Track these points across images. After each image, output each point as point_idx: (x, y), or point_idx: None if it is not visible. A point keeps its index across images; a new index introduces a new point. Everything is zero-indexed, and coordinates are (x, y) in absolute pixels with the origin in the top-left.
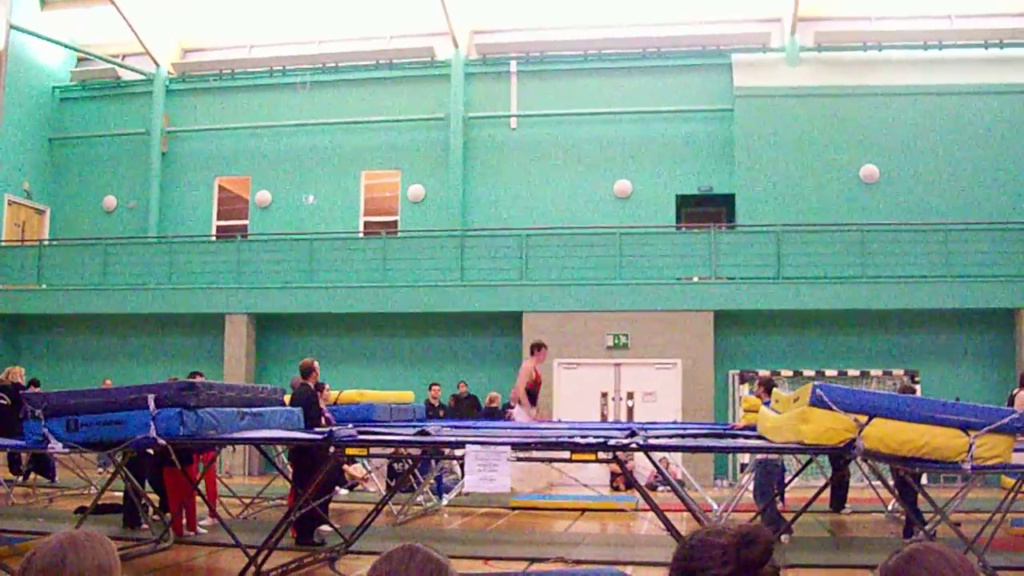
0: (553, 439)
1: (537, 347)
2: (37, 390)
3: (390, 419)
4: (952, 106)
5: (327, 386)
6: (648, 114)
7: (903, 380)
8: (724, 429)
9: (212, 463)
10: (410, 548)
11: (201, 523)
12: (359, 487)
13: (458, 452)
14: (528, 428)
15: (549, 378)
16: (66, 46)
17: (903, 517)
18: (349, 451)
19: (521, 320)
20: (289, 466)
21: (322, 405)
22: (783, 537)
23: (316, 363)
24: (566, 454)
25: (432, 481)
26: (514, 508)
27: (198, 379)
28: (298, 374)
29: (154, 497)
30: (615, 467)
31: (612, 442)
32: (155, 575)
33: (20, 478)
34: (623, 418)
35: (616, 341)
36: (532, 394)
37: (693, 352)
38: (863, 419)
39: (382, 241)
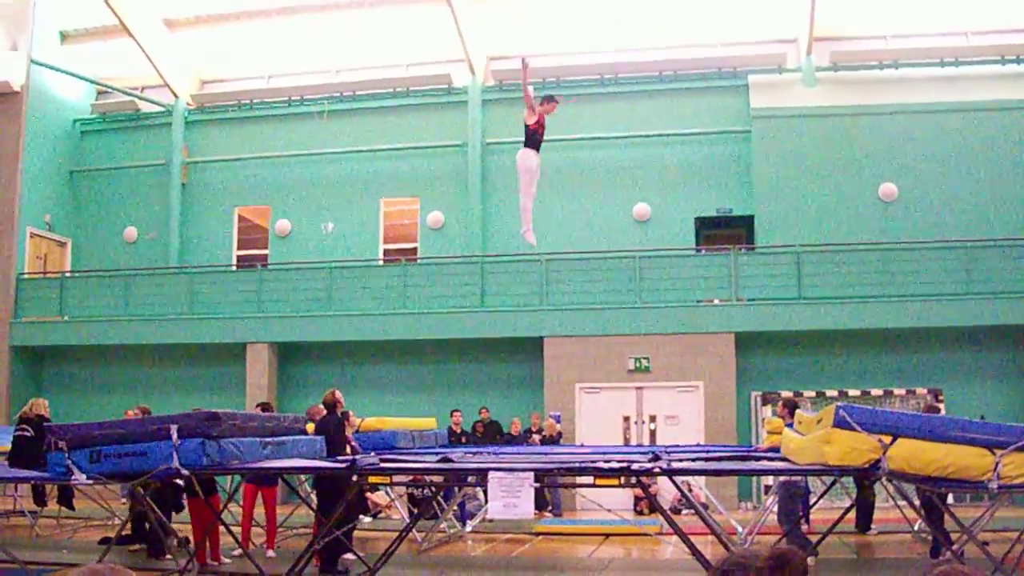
0: (576, 464)
1: (547, 98)
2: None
3: (413, 446)
4: (970, 123)
5: (352, 413)
6: (666, 137)
7: (927, 399)
8: (747, 451)
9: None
10: None
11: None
12: (382, 515)
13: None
14: (551, 454)
15: (572, 402)
16: (86, 79)
17: (930, 537)
18: (372, 479)
19: (542, 345)
20: (312, 495)
21: (348, 434)
22: (809, 559)
23: (339, 394)
24: (590, 479)
25: (455, 507)
26: (538, 534)
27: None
28: (316, 402)
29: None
30: (639, 491)
31: (635, 466)
32: None
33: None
34: (646, 442)
35: (637, 365)
36: (536, 136)
37: (715, 374)
38: (887, 439)
39: (402, 268)
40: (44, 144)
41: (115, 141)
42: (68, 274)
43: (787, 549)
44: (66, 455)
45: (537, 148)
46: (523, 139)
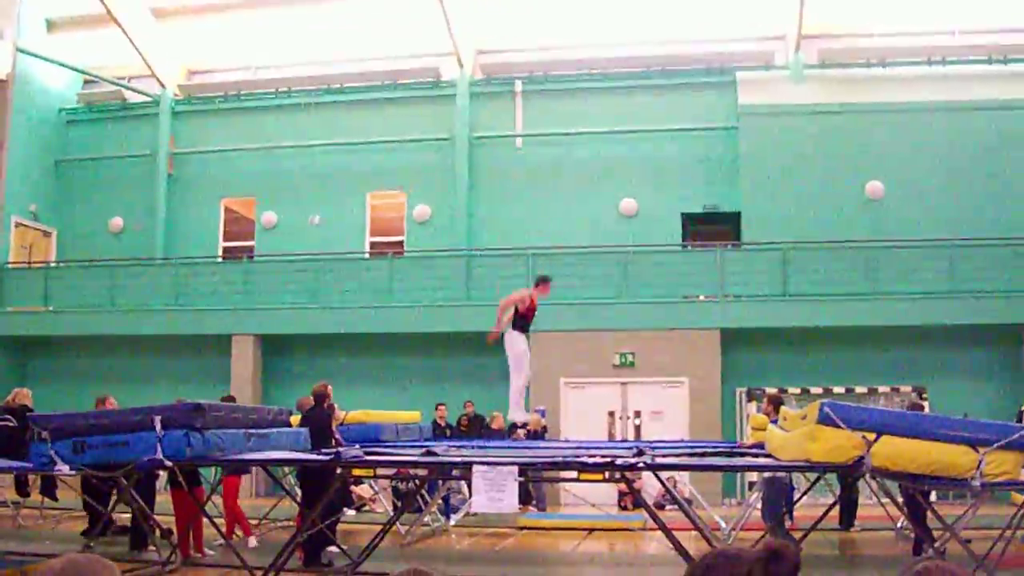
0: (561, 459)
1: (542, 280)
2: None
3: (397, 439)
4: (957, 122)
5: (336, 406)
6: (653, 133)
7: (911, 397)
8: (732, 447)
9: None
10: (416, 571)
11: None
12: (366, 508)
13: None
14: (536, 448)
15: (556, 397)
16: (72, 69)
17: (912, 535)
18: (356, 472)
19: (529, 340)
20: (296, 487)
21: (334, 427)
22: None
23: (330, 387)
24: (573, 474)
25: (439, 501)
26: (521, 528)
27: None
28: (305, 395)
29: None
30: (623, 486)
31: (619, 461)
32: None
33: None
34: (630, 437)
35: (623, 360)
36: (525, 321)
37: (700, 370)
38: (871, 436)
39: (388, 261)
40: (30, 133)
41: (101, 131)
42: (53, 264)
43: (781, 543)
44: (49, 445)
45: (527, 331)
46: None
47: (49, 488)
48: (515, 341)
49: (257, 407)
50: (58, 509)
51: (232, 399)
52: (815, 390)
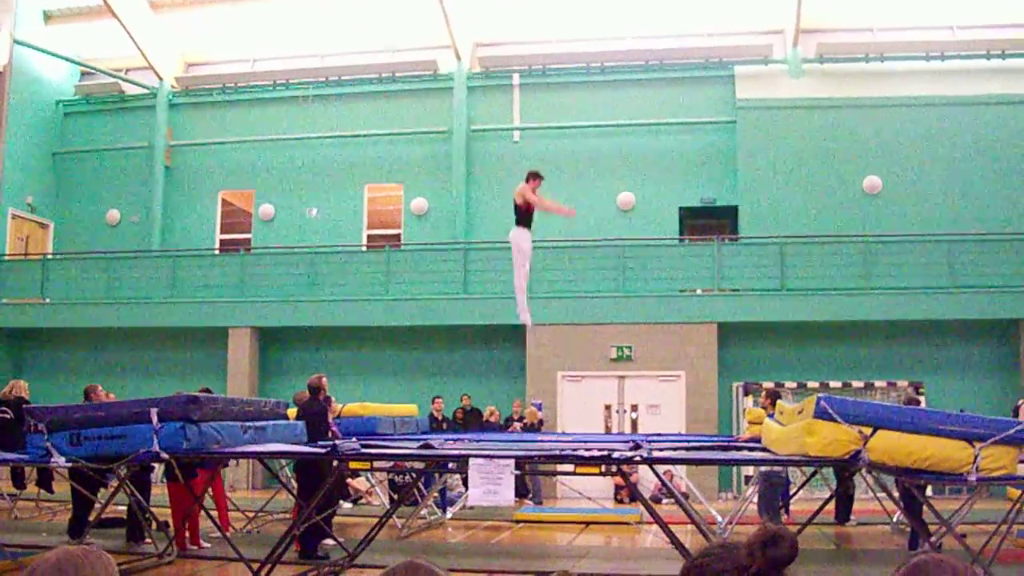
0: (557, 452)
1: (533, 175)
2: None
3: (394, 432)
4: (955, 117)
5: (333, 399)
6: (651, 126)
7: (907, 391)
8: (728, 441)
9: (214, 479)
10: (413, 564)
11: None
12: (363, 500)
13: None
14: (532, 441)
15: (553, 390)
16: (70, 60)
17: (908, 529)
18: (353, 464)
19: (525, 333)
20: (293, 480)
21: (330, 419)
22: None
23: (324, 379)
24: (570, 467)
25: (436, 494)
26: (518, 521)
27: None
28: (303, 387)
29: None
30: (619, 479)
31: (616, 455)
32: None
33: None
34: (627, 430)
35: (620, 353)
36: (528, 216)
37: (697, 364)
38: (868, 431)
39: (385, 254)
40: (27, 125)
41: (98, 123)
42: (50, 256)
43: (778, 527)
44: (45, 437)
45: (529, 226)
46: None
47: (45, 480)
48: (521, 238)
49: (254, 399)
50: (54, 501)
51: (208, 391)
52: (812, 384)
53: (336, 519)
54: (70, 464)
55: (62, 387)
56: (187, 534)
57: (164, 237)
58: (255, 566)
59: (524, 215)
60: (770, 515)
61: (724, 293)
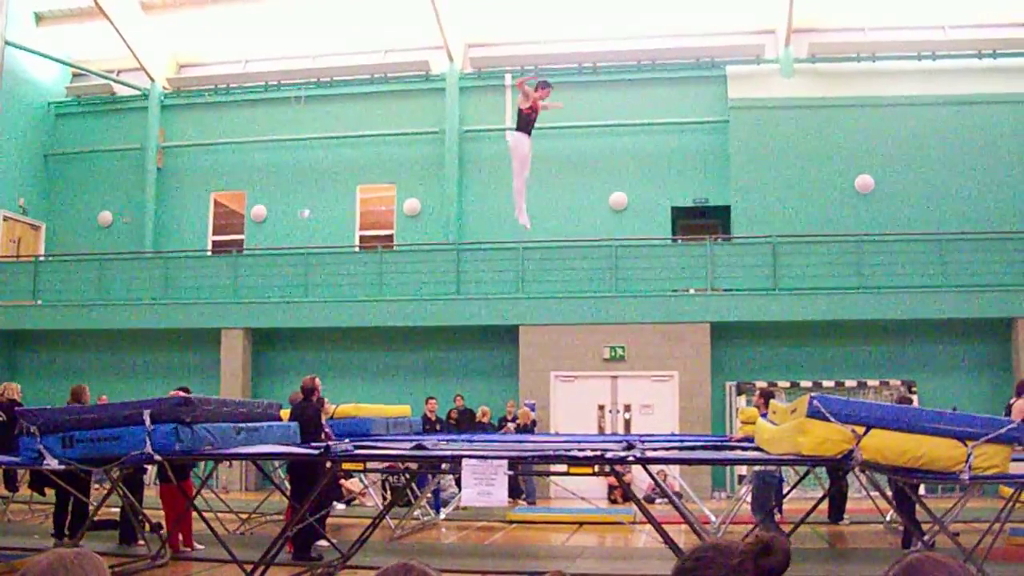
0: (551, 452)
1: (543, 84)
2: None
3: (387, 433)
4: (946, 116)
5: (327, 400)
6: (643, 126)
7: (900, 390)
8: (721, 441)
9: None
10: (406, 566)
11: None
12: (356, 502)
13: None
14: (526, 442)
15: (546, 391)
16: (61, 62)
17: (901, 528)
18: (346, 465)
19: (518, 333)
20: (286, 481)
21: (323, 420)
22: None
23: (318, 380)
24: (563, 468)
25: (429, 495)
26: (511, 522)
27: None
28: (296, 389)
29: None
30: (612, 480)
31: (609, 455)
32: None
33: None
34: (620, 431)
35: (613, 354)
36: (528, 122)
37: (690, 364)
38: (860, 430)
39: (378, 255)
40: (18, 127)
41: (90, 124)
42: (42, 258)
43: (771, 535)
44: (38, 440)
45: (529, 132)
46: (512, 127)
47: (38, 483)
48: (520, 143)
49: (247, 401)
50: (48, 504)
51: (186, 390)
52: (804, 384)
53: (329, 520)
54: (63, 466)
55: (55, 389)
56: (180, 536)
57: (156, 239)
58: (248, 568)
59: (526, 121)
60: (763, 514)
61: (717, 293)
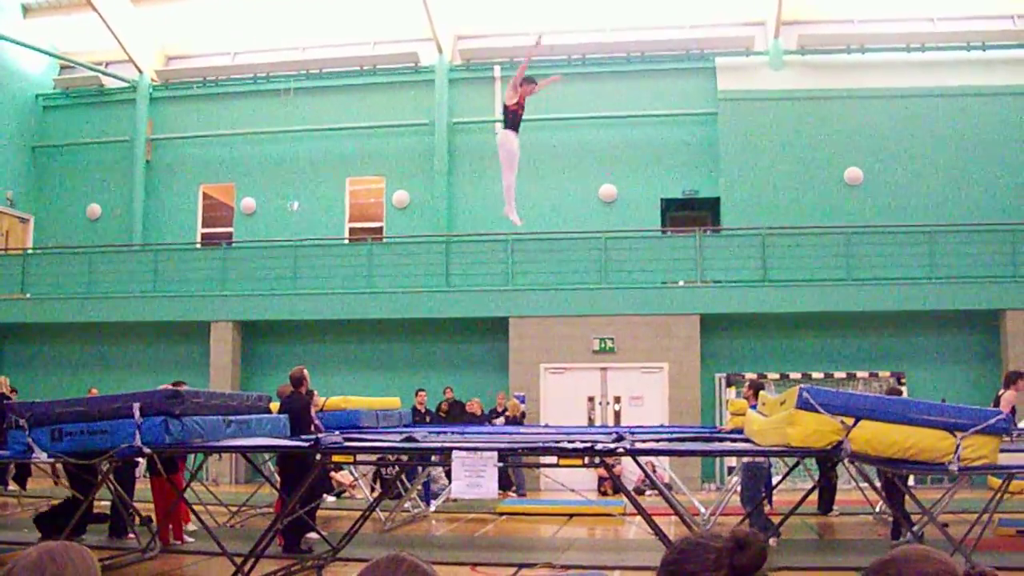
0: (540, 444)
1: (528, 80)
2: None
3: (377, 425)
4: (935, 108)
5: (315, 393)
6: (633, 118)
7: (889, 382)
8: (711, 432)
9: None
10: (396, 558)
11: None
12: (346, 494)
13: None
14: (515, 434)
15: (536, 383)
16: (49, 54)
17: (891, 519)
18: (336, 458)
19: (507, 325)
20: (276, 473)
21: (312, 412)
22: (771, 540)
23: (306, 371)
24: (553, 459)
25: (419, 487)
26: (501, 514)
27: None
28: (285, 381)
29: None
30: (602, 471)
31: (599, 447)
32: None
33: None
34: (610, 422)
35: (602, 345)
36: (515, 118)
37: (679, 356)
38: (850, 421)
39: (367, 247)
40: (5, 119)
41: (78, 117)
42: (30, 251)
43: (747, 531)
44: (27, 433)
45: (516, 129)
46: (500, 119)
47: (21, 476)
48: (508, 140)
49: (236, 393)
50: (35, 498)
51: (181, 384)
52: (794, 375)
53: (319, 513)
54: (52, 460)
55: (43, 382)
56: (170, 529)
57: (145, 231)
58: (238, 560)
59: (514, 119)
60: (753, 506)
61: (706, 285)
